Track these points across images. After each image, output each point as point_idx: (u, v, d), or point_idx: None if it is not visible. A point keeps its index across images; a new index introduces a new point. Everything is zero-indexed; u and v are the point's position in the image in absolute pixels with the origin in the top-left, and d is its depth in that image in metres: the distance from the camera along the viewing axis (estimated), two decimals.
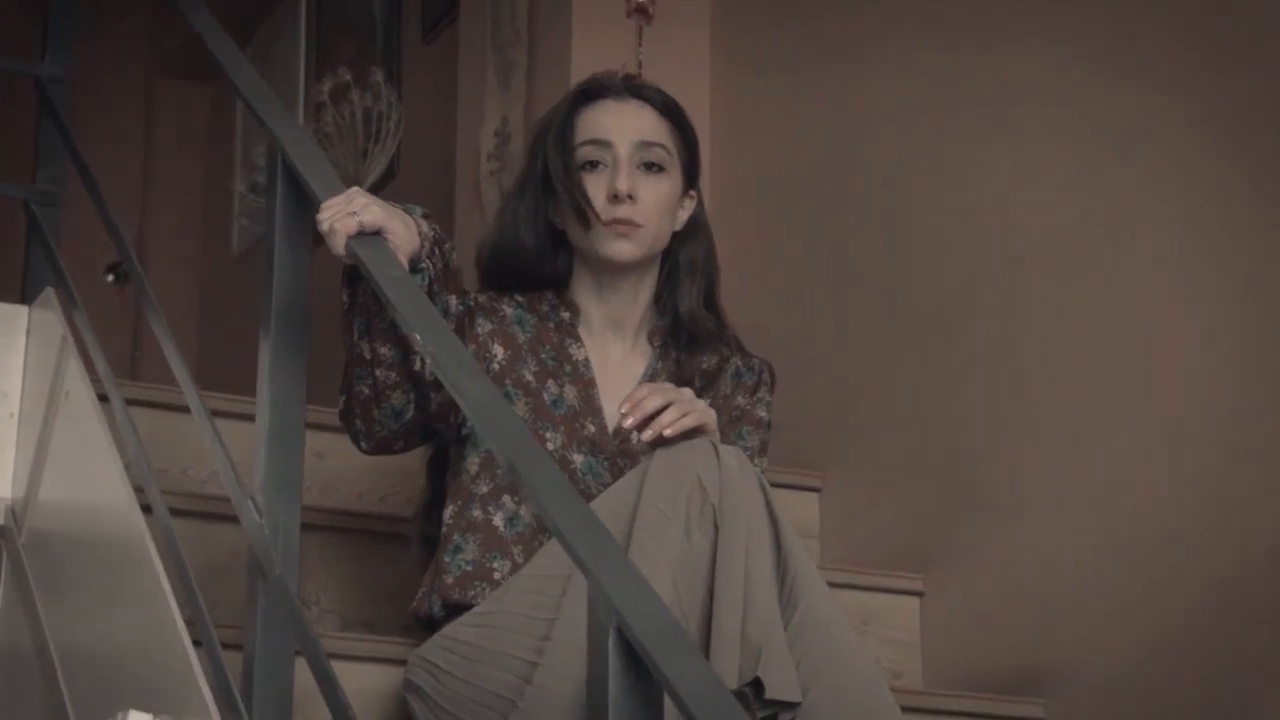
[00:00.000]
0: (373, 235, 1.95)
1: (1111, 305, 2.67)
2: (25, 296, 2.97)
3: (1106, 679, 2.57)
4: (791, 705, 1.88)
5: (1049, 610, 2.68)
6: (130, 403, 2.61)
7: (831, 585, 2.84)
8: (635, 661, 1.38)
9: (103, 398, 2.55)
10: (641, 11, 3.63)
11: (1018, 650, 2.71)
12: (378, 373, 2.13)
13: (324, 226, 1.96)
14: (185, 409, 2.71)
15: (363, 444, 2.21)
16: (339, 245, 1.94)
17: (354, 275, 2.08)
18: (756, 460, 2.32)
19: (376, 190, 4.49)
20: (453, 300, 2.18)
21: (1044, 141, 2.85)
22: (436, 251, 2.11)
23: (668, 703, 1.37)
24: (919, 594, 2.88)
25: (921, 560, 2.91)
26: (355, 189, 2.00)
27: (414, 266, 2.07)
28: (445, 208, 4.03)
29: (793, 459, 3.17)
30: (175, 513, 2.38)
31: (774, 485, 3.03)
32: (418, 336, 1.76)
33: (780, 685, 1.87)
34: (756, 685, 1.87)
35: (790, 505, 3.12)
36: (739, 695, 1.87)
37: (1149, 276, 2.63)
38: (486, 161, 3.77)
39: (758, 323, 3.38)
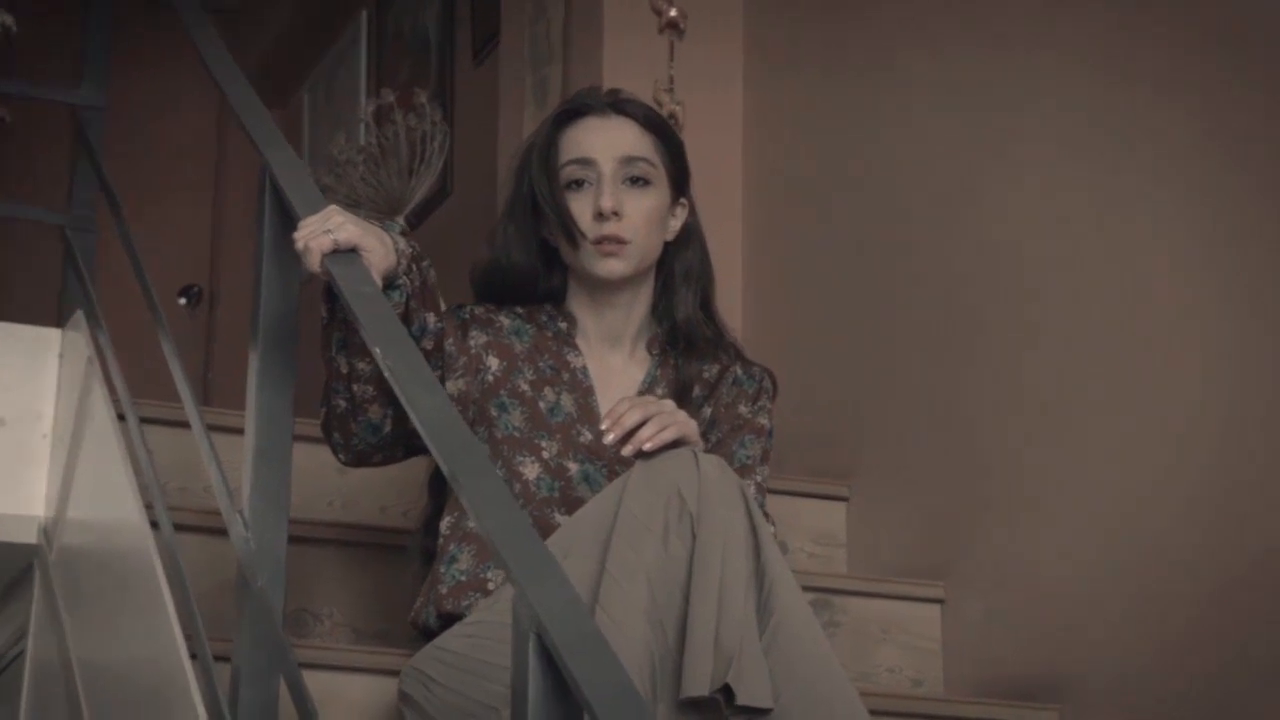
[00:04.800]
0: (347, 252, 1.99)
1: (1125, 314, 2.64)
2: (60, 320, 3.04)
3: (1124, 685, 2.55)
4: (763, 711, 1.88)
5: (1067, 617, 2.66)
6: (151, 421, 2.67)
7: (855, 594, 2.87)
8: (553, 668, 1.39)
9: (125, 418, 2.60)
10: (673, 27, 3.64)
11: (1036, 657, 2.69)
12: (354, 387, 2.16)
13: (300, 245, 1.99)
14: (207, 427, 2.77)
15: (341, 456, 2.25)
16: (314, 262, 1.98)
17: (333, 292, 2.11)
18: (758, 468, 2.32)
19: (429, 209, 4.55)
20: (430, 317, 2.20)
21: (1065, 148, 2.83)
22: (414, 268, 2.14)
23: None
24: (940, 601, 2.87)
25: (943, 568, 2.90)
26: (333, 208, 2.03)
27: (392, 283, 2.10)
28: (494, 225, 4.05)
29: (820, 468, 3.16)
30: (185, 529, 2.43)
31: (800, 495, 3.09)
32: (378, 350, 1.78)
33: (752, 691, 1.86)
34: (728, 691, 1.88)
35: (818, 514, 3.13)
36: (710, 701, 1.87)
37: (1161, 286, 2.60)
38: None
39: (784, 330, 3.40)
